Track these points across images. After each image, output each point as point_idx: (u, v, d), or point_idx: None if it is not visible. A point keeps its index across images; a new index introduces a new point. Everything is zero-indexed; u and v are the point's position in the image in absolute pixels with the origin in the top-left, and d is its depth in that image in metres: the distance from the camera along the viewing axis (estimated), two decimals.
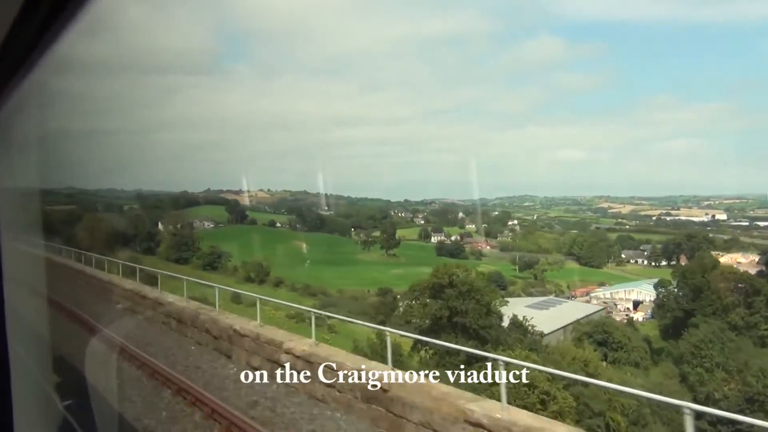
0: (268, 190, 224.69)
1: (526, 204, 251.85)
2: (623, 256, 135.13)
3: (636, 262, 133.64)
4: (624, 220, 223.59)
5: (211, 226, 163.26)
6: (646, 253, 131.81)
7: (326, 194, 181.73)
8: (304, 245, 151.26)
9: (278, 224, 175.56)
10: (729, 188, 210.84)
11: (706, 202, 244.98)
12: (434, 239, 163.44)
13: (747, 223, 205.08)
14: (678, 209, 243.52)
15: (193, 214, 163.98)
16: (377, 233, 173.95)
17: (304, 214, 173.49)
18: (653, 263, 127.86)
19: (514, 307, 76.27)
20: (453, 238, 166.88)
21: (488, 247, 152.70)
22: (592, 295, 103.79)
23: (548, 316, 77.14)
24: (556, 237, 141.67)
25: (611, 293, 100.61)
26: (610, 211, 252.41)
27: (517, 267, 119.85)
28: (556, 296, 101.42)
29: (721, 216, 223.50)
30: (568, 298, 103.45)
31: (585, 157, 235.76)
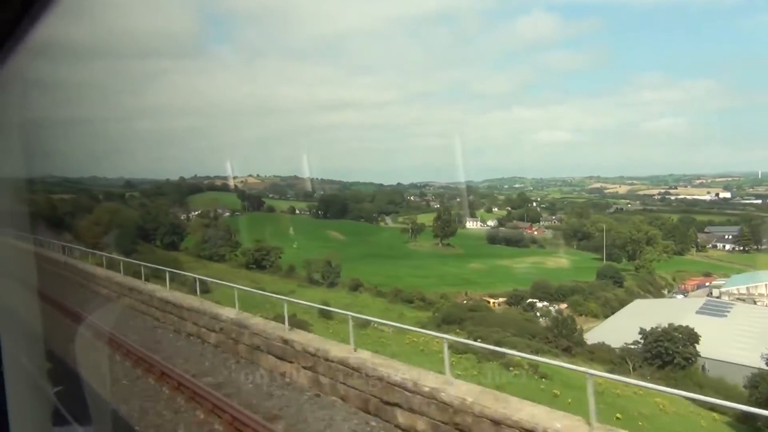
0: (258, 175, 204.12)
1: (517, 186, 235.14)
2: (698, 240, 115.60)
3: (715, 246, 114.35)
4: (632, 201, 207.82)
5: (227, 214, 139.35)
6: (728, 237, 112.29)
7: (317, 179, 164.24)
8: (340, 235, 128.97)
9: (297, 211, 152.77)
10: (716, 166, 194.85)
11: (697, 181, 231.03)
12: (469, 225, 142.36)
13: (759, 201, 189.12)
14: (675, 188, 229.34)
15: (203, 202, 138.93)
16: (401, 218, 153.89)
17: (327, 201, 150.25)
18: (741, 248, 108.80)
19: (677, 314, 55.69)
20: (490, 224, 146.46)
21: (535, 233, 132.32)
22: (698, 288, 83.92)
23: (736, 327, 56.14)
24: (617, 220, 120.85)
25: (737, 288, 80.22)
26: (605, 191, 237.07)
27: (602, 257, 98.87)
28: (713, 295, 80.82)
29: (725, 194, 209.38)
30: (678, 293, 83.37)
31: (571, 137, 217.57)
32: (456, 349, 36.81)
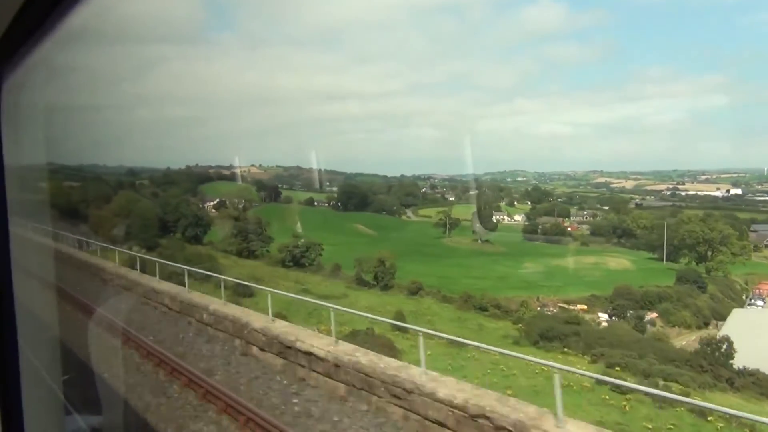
0: (260, 165, 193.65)
1: (520, 179, 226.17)
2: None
3: None
4: (645, 197, 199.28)
5: (243, 204, 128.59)
6: None
7: (321, 170, 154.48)
8: (368, 229, 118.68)
9: (316, 203, 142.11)
10: (718, 162, 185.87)
11: (702, 177, 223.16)
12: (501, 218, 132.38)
13: None
14: (683, 183, 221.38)
15: (216, 192, 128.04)
16: (422, 211, 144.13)
17: (347, 192, 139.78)
18: None
19: None
20: (518, 218, 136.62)
21: (569, 228, 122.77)
22: None
23: None
24: (655, 215, 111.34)
25: None
26: (611, 186, 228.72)
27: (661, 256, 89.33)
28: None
29: (735, 190, 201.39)
30: (757, 299, 74.08)
31: (572, 131, 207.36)
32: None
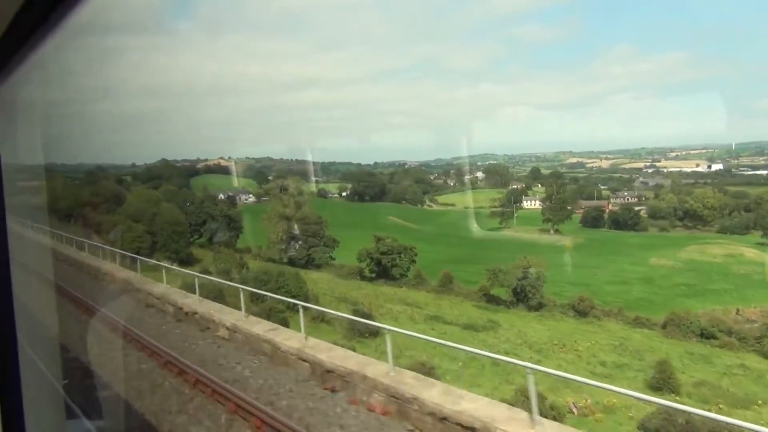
0: (229, 158, 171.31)
1: (490, 162, 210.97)
2: None
3: None
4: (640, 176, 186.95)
5: (252, 199, 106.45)
6: None
7: (292, 159, 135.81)
8: (406, 222, 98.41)
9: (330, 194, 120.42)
10: (681, 139, 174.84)
11: (672, 154, 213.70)
12: (525, 205, 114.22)
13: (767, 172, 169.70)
14: (659, 161, 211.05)
15: (211, 186, 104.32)
16: (441, 199, 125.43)
17: (365, 181, 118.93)
18: None
19: None
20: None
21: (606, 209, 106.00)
22: None
23: None
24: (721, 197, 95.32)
25: None
26: (586, 165, 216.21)
27: None
28: None
29: (717, 166, 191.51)
30: None
31: (536, 113, 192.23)
32: None
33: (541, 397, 28.21)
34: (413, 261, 55.87)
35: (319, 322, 40.75)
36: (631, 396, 15.61)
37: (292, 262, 61.06)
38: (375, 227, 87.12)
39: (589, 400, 28.58)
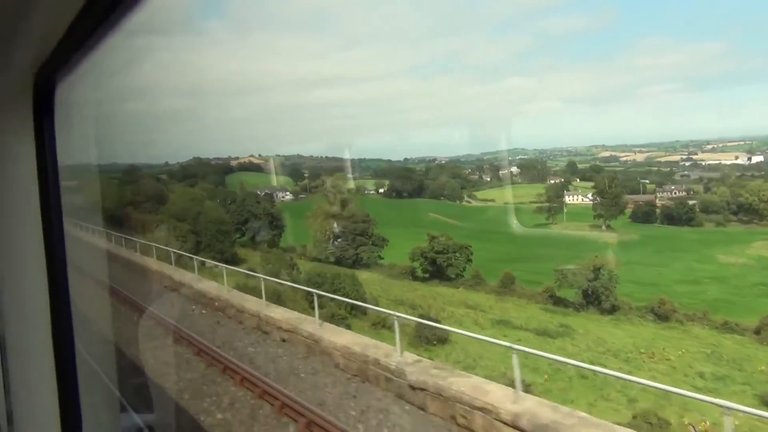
0: (260, 155, 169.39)
1: (521, 157, 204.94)
2: None
3: None
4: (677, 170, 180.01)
5: (290, 197, 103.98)
6: None
7: (322, 156, 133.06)
8: (448, 219, 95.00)
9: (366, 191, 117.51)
10: (714, 132, 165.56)
11: (708, 146, 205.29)
12: (566, 200, 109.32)
13: None
14: (696, 153, 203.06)
15: (257, 184, 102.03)
16: (479, 194, 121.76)
17: (402, 177, 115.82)
18: None
19: None
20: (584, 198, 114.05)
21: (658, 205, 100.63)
22: None
23: None
24: None
25: None
26: (620, 159, 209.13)
27: None
28: None
29: (758, 158, 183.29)
30: None
31: (566, 106, 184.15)
32: None
33: (660, 420, 24.78)
34: (469, 260, 52.55)
35: (380, 327, 37.84)
36: (757, 415, 12.11)
37: (338, 262, 58.25)
38: (416, 224, 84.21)
39: (707, 422, 25.01)
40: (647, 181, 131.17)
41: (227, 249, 54.95)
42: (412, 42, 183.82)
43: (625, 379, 24.40)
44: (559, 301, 44.95)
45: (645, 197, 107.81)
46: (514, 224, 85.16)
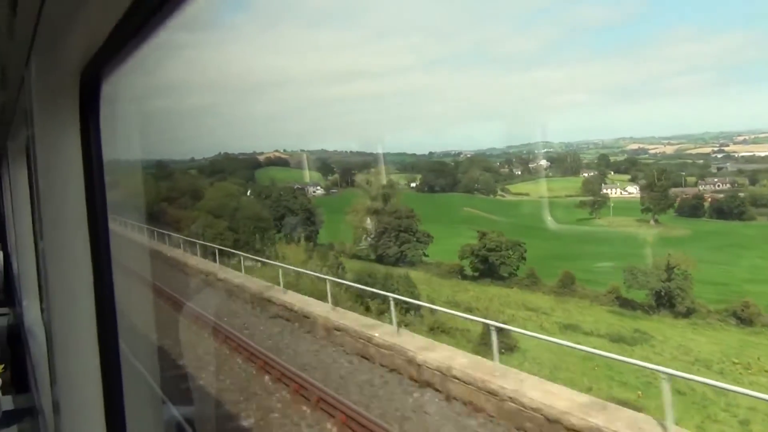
0: (284, 150, 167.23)
1: (545, 150, 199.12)
2: None
3: None
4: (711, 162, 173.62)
5: (321, 191, 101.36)
6: None
7: (346, 151, 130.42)
8: (487, 214, 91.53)
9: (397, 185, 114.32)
10: (752, 123, 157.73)
11: (739, 138, 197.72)
12: (608, 192, 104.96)
13: None
14: (728, 145, 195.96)
15: (286, 179, 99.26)
16: (512, 188, 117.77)
17: (435, 171, 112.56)
18: None
19: None
20: (631, 190, 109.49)
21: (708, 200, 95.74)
22: None
23: None
24: None
25: None
26: (649, 152, 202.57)
27: None
28: None
29: None
30: None
31: (592, 98, 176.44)
32: None
33: None
34: (523, 258, 49.08)
35: (439, 332, 34.71)
36: None
37: (380, 260, 55.21)
38: (454, 220, 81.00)
39: None
40: (683, 174, 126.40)
41: (266, 246, 52.21)
42: (441, 34, 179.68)
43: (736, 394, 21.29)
44: (626, 303, 41.31)
45: (691, 190, 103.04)
46: (557, 219, 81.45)
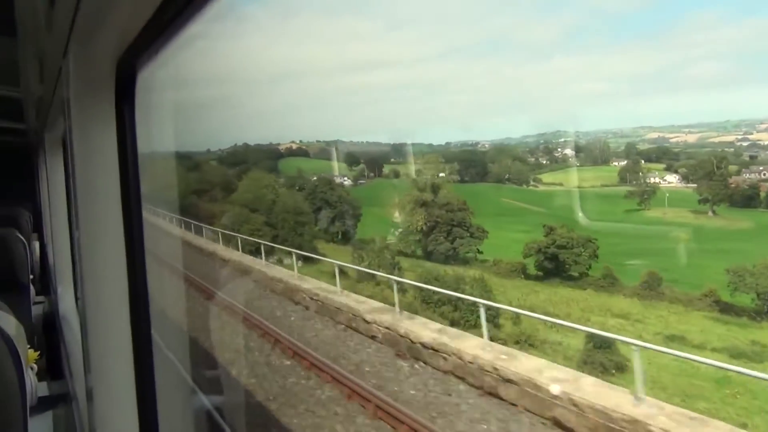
0: (300, 141, 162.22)
1: (562, 140, 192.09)
2: None
3: None
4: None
5: (349, 183, 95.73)
6: None
7: (363, 142, 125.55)
8: (527, 205, 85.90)
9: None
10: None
11: (762, 126, 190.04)
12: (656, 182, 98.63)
13: None
14: (752, 133, 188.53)
15: (310, 170, 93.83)
16: (545, 178, 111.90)
17: (467, 160, 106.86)
18: None
19: None
20: (671, 179, 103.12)
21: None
22: None
23: None
24: None
25: None
26: (670, 140, 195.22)
27: None
28: None
29: None
30: None
31: (611, 86, 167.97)
32: None
33: None
34: (595, 255, 43.47)
35: (526, 345, 29.38)
36: None
37: (428, 257, 49.88)
38: (494, 211, 75.66)
39: None
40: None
41: (306, 243, 46.98)
42: (460, 22, 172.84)
43: None
44: (727, 309, 35.65)
45: (743, 179, 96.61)
46: (603, 210, 75.65)
